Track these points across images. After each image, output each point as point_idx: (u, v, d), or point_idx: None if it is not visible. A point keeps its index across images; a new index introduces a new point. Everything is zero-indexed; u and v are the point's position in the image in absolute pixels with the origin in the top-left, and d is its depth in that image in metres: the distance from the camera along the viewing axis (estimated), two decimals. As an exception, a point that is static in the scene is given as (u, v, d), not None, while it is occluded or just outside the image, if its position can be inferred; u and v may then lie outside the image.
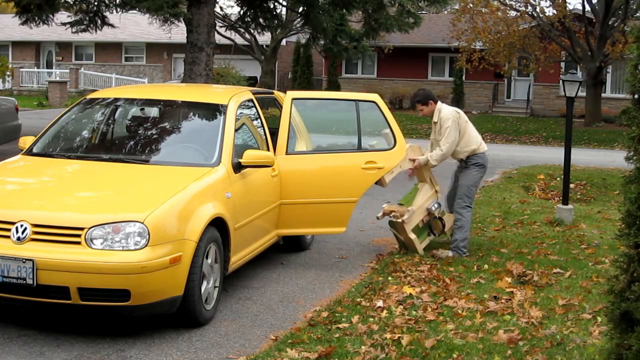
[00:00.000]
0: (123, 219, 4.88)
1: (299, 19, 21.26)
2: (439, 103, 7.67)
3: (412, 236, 7.47)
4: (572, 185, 11.81)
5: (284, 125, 6.99)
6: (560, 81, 10.18)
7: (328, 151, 7.56)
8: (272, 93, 7.96)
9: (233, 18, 22.93)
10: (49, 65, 41.98)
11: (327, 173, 7.03)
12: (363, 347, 4.89)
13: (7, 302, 4.97)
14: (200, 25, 14.30)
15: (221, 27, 22.95)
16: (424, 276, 6.70)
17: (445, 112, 7.54)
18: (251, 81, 31.61)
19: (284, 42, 29.99)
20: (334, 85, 33.95)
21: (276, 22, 20.68)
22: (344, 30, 17.87)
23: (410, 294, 6.11)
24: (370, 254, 7.73)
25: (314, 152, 7.36)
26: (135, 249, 4.81)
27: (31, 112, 25.88)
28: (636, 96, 3.27)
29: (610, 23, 26.62)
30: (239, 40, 26.65)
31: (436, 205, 7.60)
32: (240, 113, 6.63)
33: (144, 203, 5.10)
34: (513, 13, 27.55)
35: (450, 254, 7.46)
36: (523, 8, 27.08)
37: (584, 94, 26.72)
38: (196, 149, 6.18)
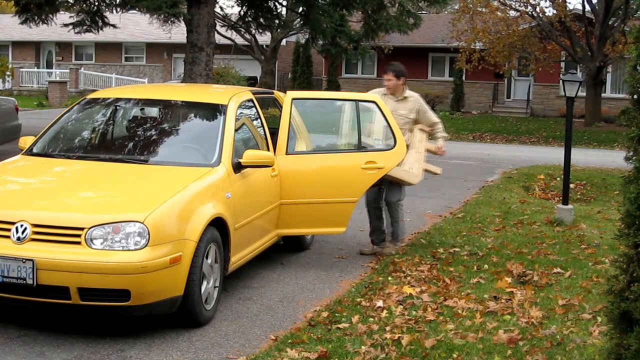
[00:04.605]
0: (123, 219, 4.88)
1: (298, 19, 21.24)
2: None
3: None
4: (572, 185, 11.81)
5: (284, 125, 6.98)
6: (560, 81, 10.19)
7: (328, 151, 7.56)
8: (272, 93, 7.96)
9: (233, 18, 22.93)
10: (49, 65, 41.99)
11: (327, 173, 7.02)
12: (363, 347, 4.89)
13: (7, 302, 4.98)
14: (200, 25, 14.31)
15: (221, 27, 22.95)
16: (424, 276, 6.71)
17: (414, 93, 7.68)
18: (251, 81, 31.59)
19: (284, 42, 29.99)
20: (333, 85, 33.95)
21: (276, 22, 20.67)
22: (344, 31, 17.84)
23: (410, 294, 6.11)
24: (370, 254, 7.73)
25: (314, 152, 7.36)
26: (135, 249, 4.81)
27: (31, 112, 25.87)
28: (635, 96, 3.27)
29: (610, 23, 26.61)
30: (239, 40, 26.66)
31: None
32: (240, 113, 6.63)
33: (144, 203, 5.10)
34: (513, 13, 27.56)
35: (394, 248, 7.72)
36: (523, 8, 27.08)
37: (584, 94, 26.73)
38: (196, 149, 6.18)
